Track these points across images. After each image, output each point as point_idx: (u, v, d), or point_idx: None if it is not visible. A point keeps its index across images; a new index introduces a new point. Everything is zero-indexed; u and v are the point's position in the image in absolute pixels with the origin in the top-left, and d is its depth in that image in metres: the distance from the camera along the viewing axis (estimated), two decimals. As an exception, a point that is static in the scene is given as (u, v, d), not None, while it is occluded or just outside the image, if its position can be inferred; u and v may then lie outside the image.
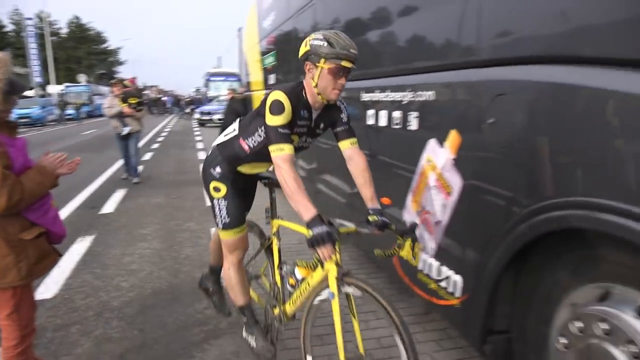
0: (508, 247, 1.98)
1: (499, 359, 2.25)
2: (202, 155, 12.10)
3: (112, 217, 5.91)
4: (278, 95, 2.00)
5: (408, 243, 2.06)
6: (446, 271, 2.49)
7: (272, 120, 1.98)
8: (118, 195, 7.16)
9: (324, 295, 2.06)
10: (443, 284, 2.52)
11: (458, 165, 2.33)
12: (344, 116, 2.27)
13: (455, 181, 2.34)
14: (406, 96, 2.82)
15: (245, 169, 2.46)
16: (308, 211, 1.83)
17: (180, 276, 3.96)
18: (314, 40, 1.99)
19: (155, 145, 14.47)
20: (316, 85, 2.03)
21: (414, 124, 2.75)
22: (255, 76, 8.42)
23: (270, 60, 7.07)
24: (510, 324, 2.21)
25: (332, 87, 2.02)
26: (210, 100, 27.66)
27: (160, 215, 6.00)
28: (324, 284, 2.05)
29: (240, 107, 9.64)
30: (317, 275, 2.12)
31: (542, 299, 1.97)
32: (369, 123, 3.39)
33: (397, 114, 2.94)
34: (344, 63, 1.95)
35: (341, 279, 1.95)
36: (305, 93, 2.12)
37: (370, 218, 2.09)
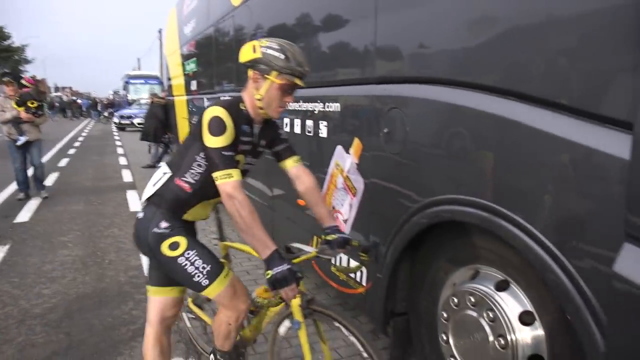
0: (402, 238, 2.29)
1: (399, 337, 2.57)
2: (123, 161, 11.80)
3: (28, 226, 5.74)
4: (216, 111, 1.74)
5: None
6: (354, 263, 2.79)
7: (213, 142, 1.72)
8: (33, 203, 6.90)
9: (288, 323, 1.94)
10: (352, 274, 2.83)
11: (361, 168, 2.65)
12: (281, 132, 2.09)
13: (359, 183, 2.66)
14: (317, 107, 3.11)
15: (191, 215, 2.01)
16: (265, 248, 1.65)
17: (106, 280, 4.00)
18: (267, 49, 1.76)
19: (72, 151, 13.88)
20: (261, 99, 1.82)
21: (324, 132, 3.05)
22: (177, 81, 8.42)
23: (191, 66, 7.15)
24: (408, 306, 2.53)
25: (278, 104, 1.84)
26: (130, 103, 26.78)
27: (80, 222, 5.91)
28: (286, 311, 1.93)
29: (160, 112, 9.59)
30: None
31: (431, 282, 2.31)
32: (285, 130, 3.64)
33: (309, 123, 3.23)
34: (297, 81, 1.79)
35: (306, 307, 1.82)
36: (244, 105, 1.89)
37: (329, 237, 1.97)
